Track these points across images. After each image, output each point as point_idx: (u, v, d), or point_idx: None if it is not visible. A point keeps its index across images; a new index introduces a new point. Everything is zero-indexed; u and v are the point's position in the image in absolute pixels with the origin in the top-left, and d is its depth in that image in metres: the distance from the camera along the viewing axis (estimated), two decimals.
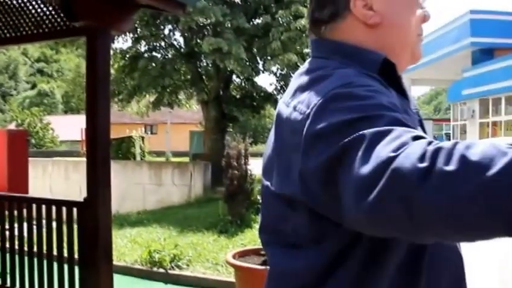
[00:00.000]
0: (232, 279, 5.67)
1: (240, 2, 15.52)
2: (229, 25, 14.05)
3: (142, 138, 20.84)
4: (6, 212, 4.78)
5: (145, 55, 15.95)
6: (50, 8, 4.00)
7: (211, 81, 16.41)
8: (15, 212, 4.77)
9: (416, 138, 0.82)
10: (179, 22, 14.39)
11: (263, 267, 4.32)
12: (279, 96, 17.00)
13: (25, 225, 4.66)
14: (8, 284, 4.75)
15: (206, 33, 14.89)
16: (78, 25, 3.78)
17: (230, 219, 9.12)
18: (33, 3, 4.09)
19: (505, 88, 19.13)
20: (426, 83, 39.66)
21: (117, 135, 18.45)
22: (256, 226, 8.22)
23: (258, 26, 15.32)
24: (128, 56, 15.98)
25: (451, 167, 0.73)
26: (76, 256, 4.29)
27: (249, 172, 9.27)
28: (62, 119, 47.80)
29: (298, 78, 1.14)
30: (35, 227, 4.60)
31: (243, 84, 17.34)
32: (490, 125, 20.95)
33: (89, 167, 4.04)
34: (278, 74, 16.95)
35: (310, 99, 1.00)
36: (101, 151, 4.00)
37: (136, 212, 11.95)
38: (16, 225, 4.80)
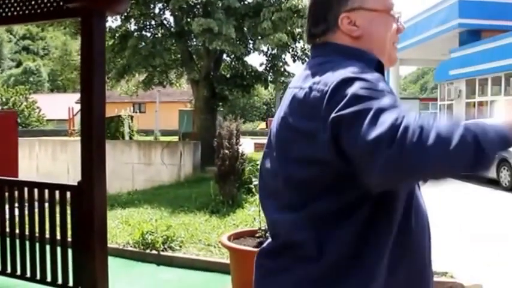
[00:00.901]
0: (225, 260, 5.68)
1: None
2: (220, 4, 13.90)
3: (131, 117, 20.73)
4: None
5: (135, 34, 15.76)
6: None
7: (202, 60, 16.30)
8: (6, 195, 4.71)
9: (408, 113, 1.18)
10: (170, 1, 14.22)
11: (258, 249, 4.32)
12: (269, 76, 16.95)
13: (16, 208, 4.61)
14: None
15: (196, 12, 14.74)
16: (72, 6, 3.70)
17: (221, 199, 9.13)
18: None
19: (491, 69, 19.24)
20: (414, 63, 39.71)
21: (105, 114, 18.32)
22: (248, 206, 8.25)
23: (250, 5, 15.18)
24: (117, 35, 15.77)
25: (432, 137, 1.12)
26: (69, 239, 4.26)
27: (240, 152, 9.27)
28: (48, 97, 47.32)
29: (308, 69, 1.44)
30: (26, 210, 4.55)
31: (234, 63, 17.24)
32: (476, 105, 21.08)
33: (84, 149, 3.99)
34: (268, 54, 16.90)
35: (327, 80, 1.29)
36: (96, 134, 3.94)
37: (127, 193, 11.90)
38: (7, 208, 4.75)
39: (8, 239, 4.69)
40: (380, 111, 1.17)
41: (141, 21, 15.84)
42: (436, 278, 3.73)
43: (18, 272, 4.56)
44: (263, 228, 4.70)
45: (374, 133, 1.14)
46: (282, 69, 16.85)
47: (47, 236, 4.43)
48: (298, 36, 16.02)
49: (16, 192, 4.64)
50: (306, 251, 1.33)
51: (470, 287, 5.04)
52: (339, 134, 1.22)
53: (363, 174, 1.20)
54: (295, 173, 1.36)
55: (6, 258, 4.66)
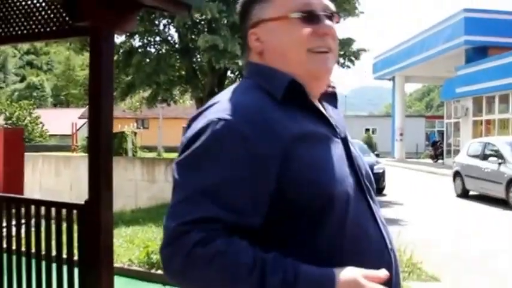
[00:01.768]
0: None
1: None
2: (225, 22, 13.95)
3: (135, 133, 20.71)
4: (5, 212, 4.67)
5: (139, 50, 15.79)
6: (53, 8, 3.91)
7: (206, 77, 16.32)
8: (13, 211, 4.68)
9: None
10: (174, 18, 14.26)
11: None
12: None
13: (23, 225, 4.57)
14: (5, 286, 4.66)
15: (201, 28, 14.78)
16: (81, 25, 3.70)
17: None
18: (36, 2, 4.01)
19: (498, 87, 19.20)
20: (419, 80, 39.73)
21: None
22: None
23: None
24: (121, 51, 15.80)
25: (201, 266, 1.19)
26: (75, 258, 4.22)
27: None
28: (51, 112, 47.43)
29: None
30: (33, 227, 4.51)
31: (238, 80, 17.26)
32: (483, 123, 21.02)
33: (91, 168, 3.96)
34: None
35: (187, 134, 1.30)
36: (103, 153, 3.92)
37: (130, 210, 11.85)
38: (14, 227, 4.71)
39: (14, 257, 4.65)
40: (179, 199, 1.30)
41: (146, 37, 15.87)
42: None
43: None
44: None
45: (166, 223, 1.28)
46: None
47: (53, 254, 4.40)
48: None
49: (23, 209, 4.61)
50: None
51: None
52: None
53: None
54: None
55: (12, 276, 4.62)
